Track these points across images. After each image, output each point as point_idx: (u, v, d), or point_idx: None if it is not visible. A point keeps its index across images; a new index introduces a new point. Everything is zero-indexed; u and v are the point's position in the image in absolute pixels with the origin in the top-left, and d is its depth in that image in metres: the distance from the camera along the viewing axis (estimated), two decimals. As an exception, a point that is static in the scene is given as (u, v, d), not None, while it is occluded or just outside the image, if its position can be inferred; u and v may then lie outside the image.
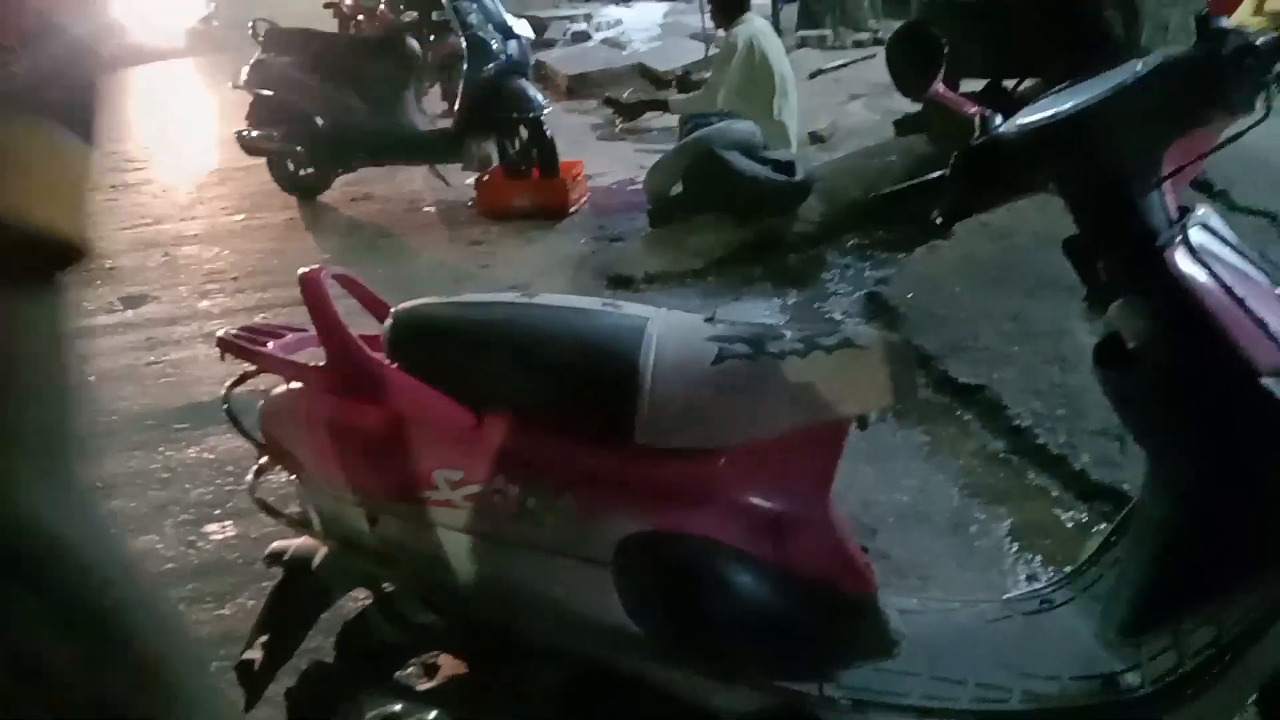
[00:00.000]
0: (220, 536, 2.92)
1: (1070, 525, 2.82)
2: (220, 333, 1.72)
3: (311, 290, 1.60)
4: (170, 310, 5.15)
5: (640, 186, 6.13)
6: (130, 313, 5.14)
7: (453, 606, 1.64)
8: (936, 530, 2.84)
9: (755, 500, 1.62)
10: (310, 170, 7.04)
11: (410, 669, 1.86)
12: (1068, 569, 2.02)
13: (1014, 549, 2.74)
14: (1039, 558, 2.67)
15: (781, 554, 1.62)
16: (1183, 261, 1.59)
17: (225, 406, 1.70)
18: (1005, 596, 1.99)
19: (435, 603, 1.67)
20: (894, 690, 1.63)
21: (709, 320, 1.74)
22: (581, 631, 1.56)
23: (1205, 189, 4.53)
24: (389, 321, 1.68)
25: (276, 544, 1.84)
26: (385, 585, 1.76)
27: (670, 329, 1.67)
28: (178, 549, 2.88)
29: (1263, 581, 1.57)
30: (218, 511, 3.04)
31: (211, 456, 3.36)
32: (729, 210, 5.52)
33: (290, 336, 1.76)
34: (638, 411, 1.54)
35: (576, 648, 1.60)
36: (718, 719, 1.62)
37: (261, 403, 1.69)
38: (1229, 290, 1.49)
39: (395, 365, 1.62)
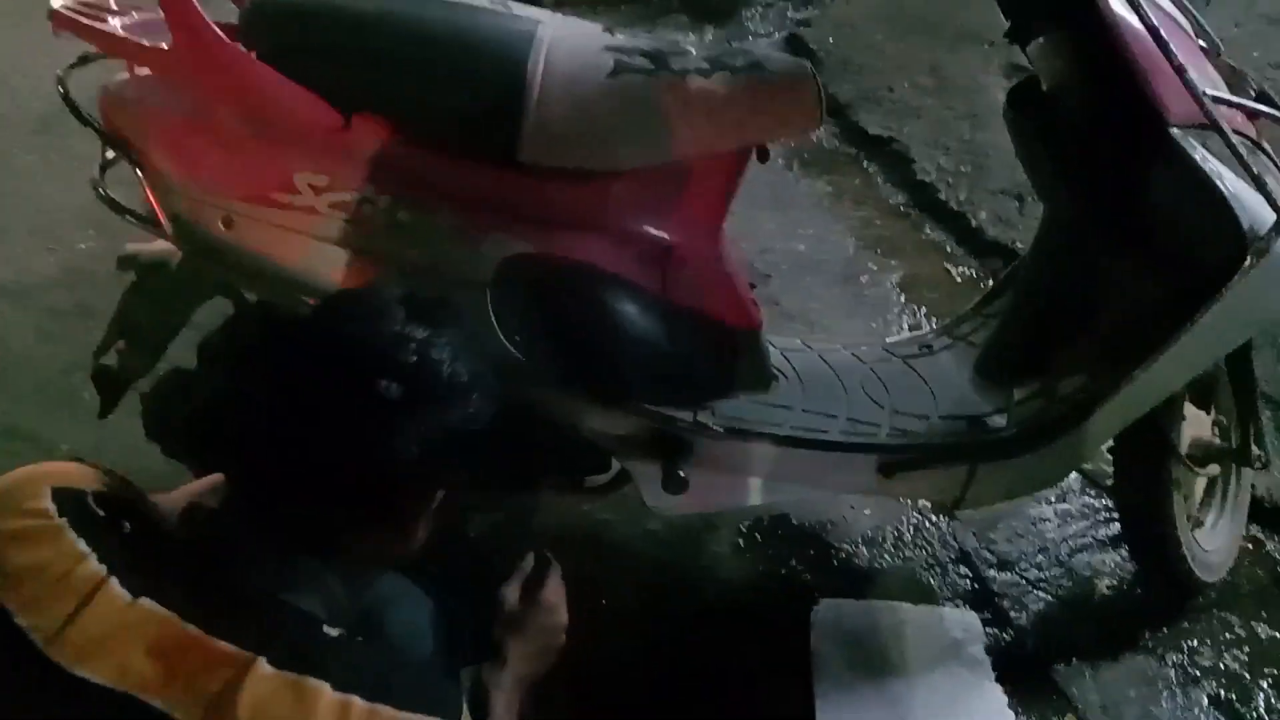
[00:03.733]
0: (84, 247, 2.74)
1: (960, 280, 2.85)
2: (56, 4, 1.50)
3: (156, -40, 1.40)
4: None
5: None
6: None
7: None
8: (829, 279, 2.83)
9: (642, 228, 1.54)
10: None
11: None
12: (950, 318, 2.04)
13: (902, 300, 2.76)
14: (924, 309, 2.70)
15: (666, 285, 1.57)
16: (1115, 1, 1.50)
17: (62, 92, 1.52)
18: (887, 341, 2.00)
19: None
20: (767, 420, 1.64)
21: (607, 30, 1.59)
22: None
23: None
24: (248, 4, 1.50)
25: (130, 246, 1.71)
26: (246, 296, 1.67)
27: (564, 36, 1.52)
28: (37, 260, 2.71)
29: (1132, 338, 1.59)
30: (80, 221, 2.84)
31: (73, 163, 3.11)
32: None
33: (137, 16, 1.56)
34: (522, 124, 1.42)
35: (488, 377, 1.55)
36: (594, 443, 1.62)
37: (103, 86, 1.51)
38: (1156, 34, 1.41)
39: (253, 54, 1.45)
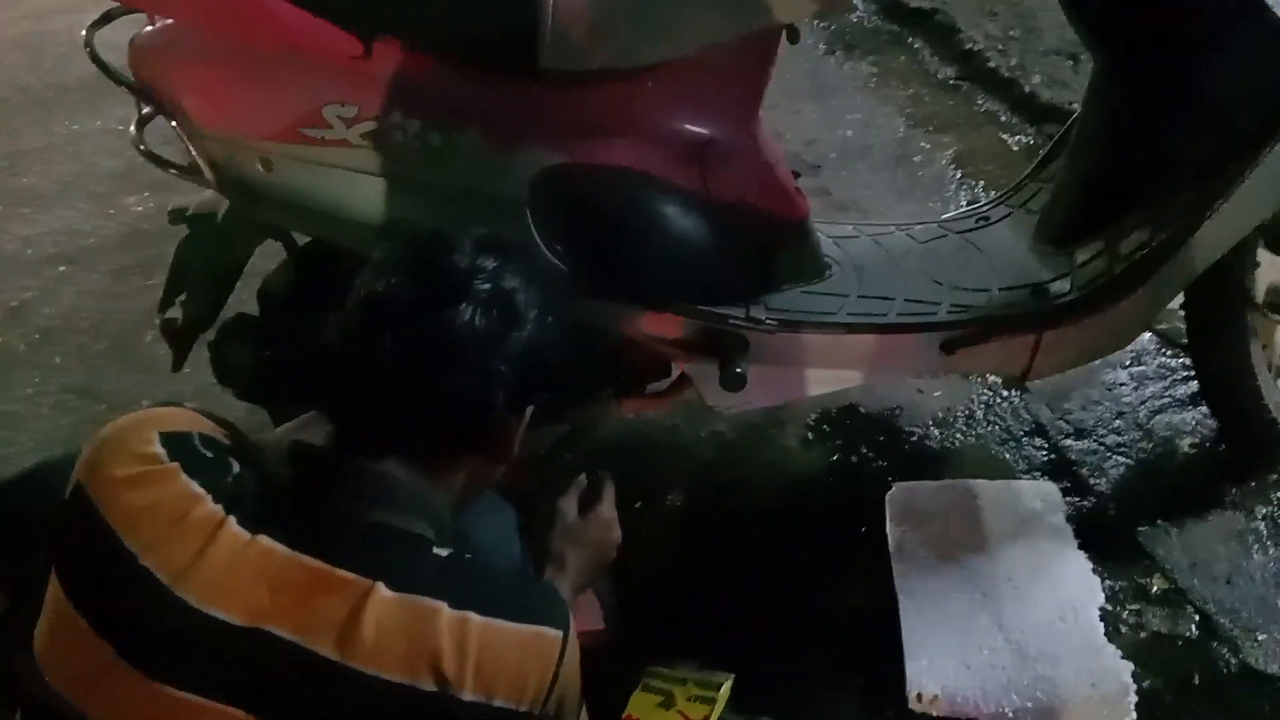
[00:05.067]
0: (140, 209, 2.80)
1: (1016, 149, 2.76)
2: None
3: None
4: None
5: None
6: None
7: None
8: (879, 164, 2.77)
9: (676, 126, 1.52)
10: None
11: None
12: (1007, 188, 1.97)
13: (958, 176, 2.69)
14: (982, 183, 2.62)
15: (706, 181, 1.54)
16: None
17: (89, 50, 1.53)
18: (942, 218, 1.95)
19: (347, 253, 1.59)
20: (822, 309, 1.62)
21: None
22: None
23: None
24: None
25: (179, 200, 1.74)
26: (296, 237, 1.68)
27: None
28: (95, 223, 2.77)
29: (1193, 187, 1.52)
30: (132, 182, 2.89)
31: (119, 127, 3.15)
32: None
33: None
34: (540, 31, 1.39)
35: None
36: (649, 348, 1.62)
37: (130, 41, 1.52)
38: None
39: (270, -9, 1.44)
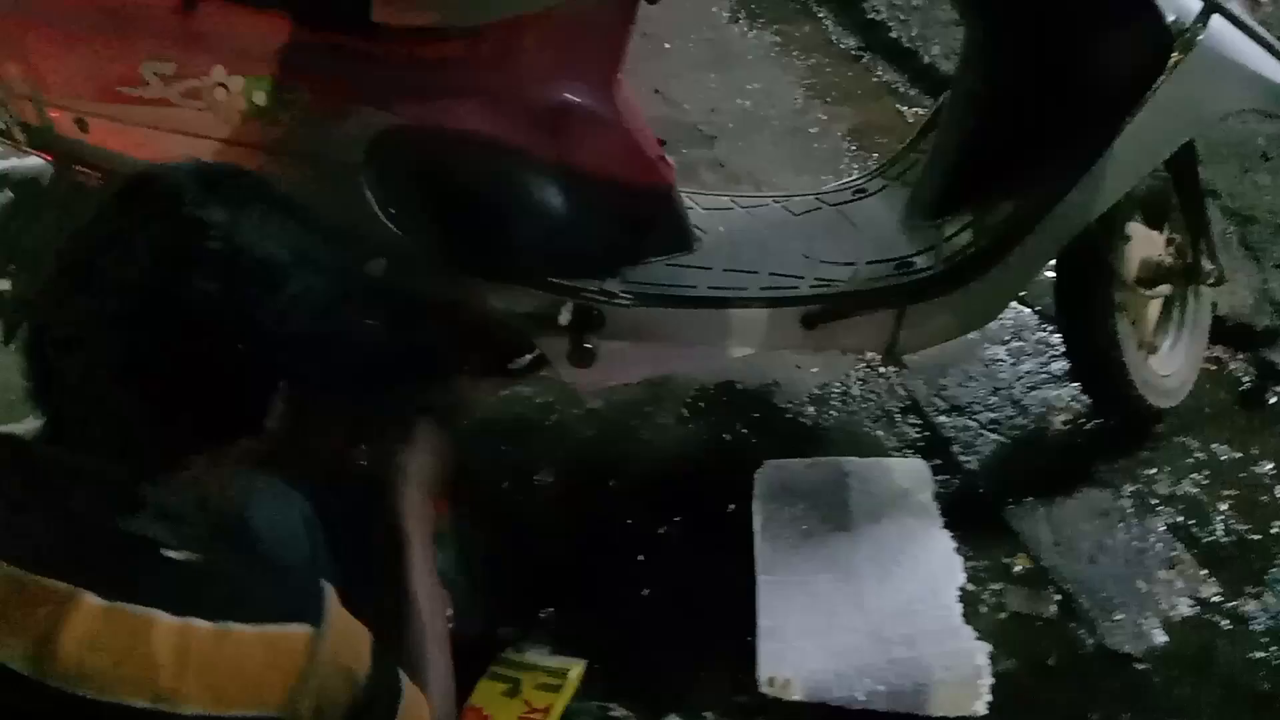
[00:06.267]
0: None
1: (912, 121, 2.72)
2: None
3: None
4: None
5: None
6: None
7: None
8: (776, 134, 2.72)
9: (526, 88, 1.44)
10: None
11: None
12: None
13: (853, 148, 2.65)
14: (876, 156, 2.58)
15: (559, 148, 1.47)
16: None
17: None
18: (821, 190, 1.91)
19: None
20: (682, 283, 1.57)
21: None
22: (339, 245, 1.43)
23: None
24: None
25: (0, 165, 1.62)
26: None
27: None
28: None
29: (1057, 159, 1.50)
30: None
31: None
32: None
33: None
34: (373, -19, 1.31)
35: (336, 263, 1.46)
36: (505, 324, 1.55)
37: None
38: None
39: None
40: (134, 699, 0.74)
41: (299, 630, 0.80)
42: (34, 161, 1.55)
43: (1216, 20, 1.41)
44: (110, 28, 1.33)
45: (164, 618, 0.76)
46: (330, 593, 0.86)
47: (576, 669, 1.48)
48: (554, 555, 1.70)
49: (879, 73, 2.93)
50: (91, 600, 0.75)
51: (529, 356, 1.69)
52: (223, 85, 1.34)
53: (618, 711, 1.50)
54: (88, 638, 0.74)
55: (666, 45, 3.00)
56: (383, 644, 0.88)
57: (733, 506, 1.77)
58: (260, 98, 1.35)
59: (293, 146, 1.37)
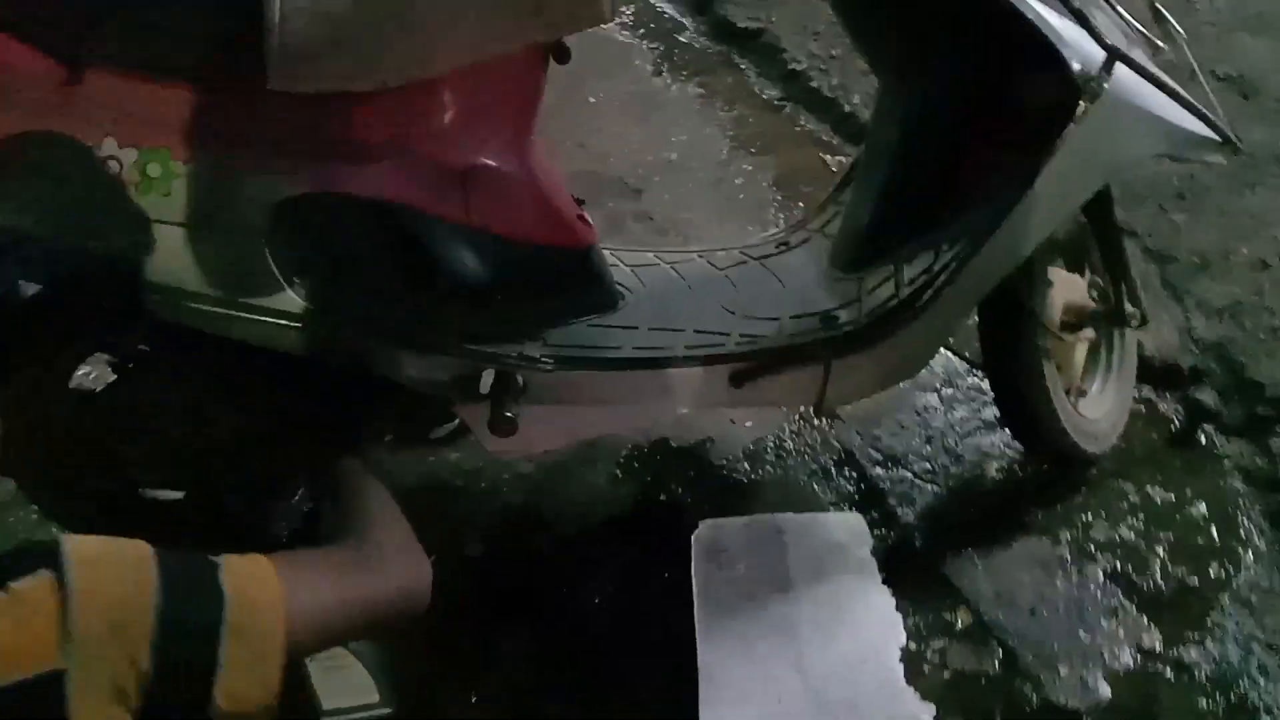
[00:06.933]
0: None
1: (836, 170, 2.72)
2: None
3: None
4: None
5: None
6: None
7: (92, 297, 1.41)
8: (702, 185, 2.71)
9: (434, 151, 1.39)
10: None
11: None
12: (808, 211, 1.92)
13: (778, 197, 2.64)
14: (800, 205, 2.58)
15: (470, 211, 1.43)
16: None
17: None
18: (746, 243, 1.89)
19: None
20: (605, 344, 1.53)
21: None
22: (248, 314, 1.36)
23: None
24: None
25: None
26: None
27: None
28: None
29: (972, 210, 1.49)
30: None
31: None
32: None
33: None
34: (267, 45, 1.26)
35: (244, 334, 1.40)
36: (420, 391, 1.50)
37: None
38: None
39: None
40: None
41: (40, 579, 0.77)
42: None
43: (1120, 69, 1.42)
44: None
45: None
46: (67, 539, 0.83)
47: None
48: (483, 629, 1.64)
49: (801, 121, 2.94)
50: None
51: (450, 425, 1.64)
52: (114, 158, 1.28)
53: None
54: None
55: (591, 99, 2.99)
56: (173, 550, 0.85)
57: (668, 572, 1.72)
58: (155, 170, 1.29)
59: (189, 217, 1.31)
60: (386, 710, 1.41)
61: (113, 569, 0.81)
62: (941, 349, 2.03)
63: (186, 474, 1.46)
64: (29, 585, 0.77)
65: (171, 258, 1.32)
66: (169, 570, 0.83)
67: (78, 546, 0.81)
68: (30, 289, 1.25)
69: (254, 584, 0.88)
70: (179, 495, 1.49)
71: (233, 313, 1.34)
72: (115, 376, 1.55)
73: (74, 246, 1.30)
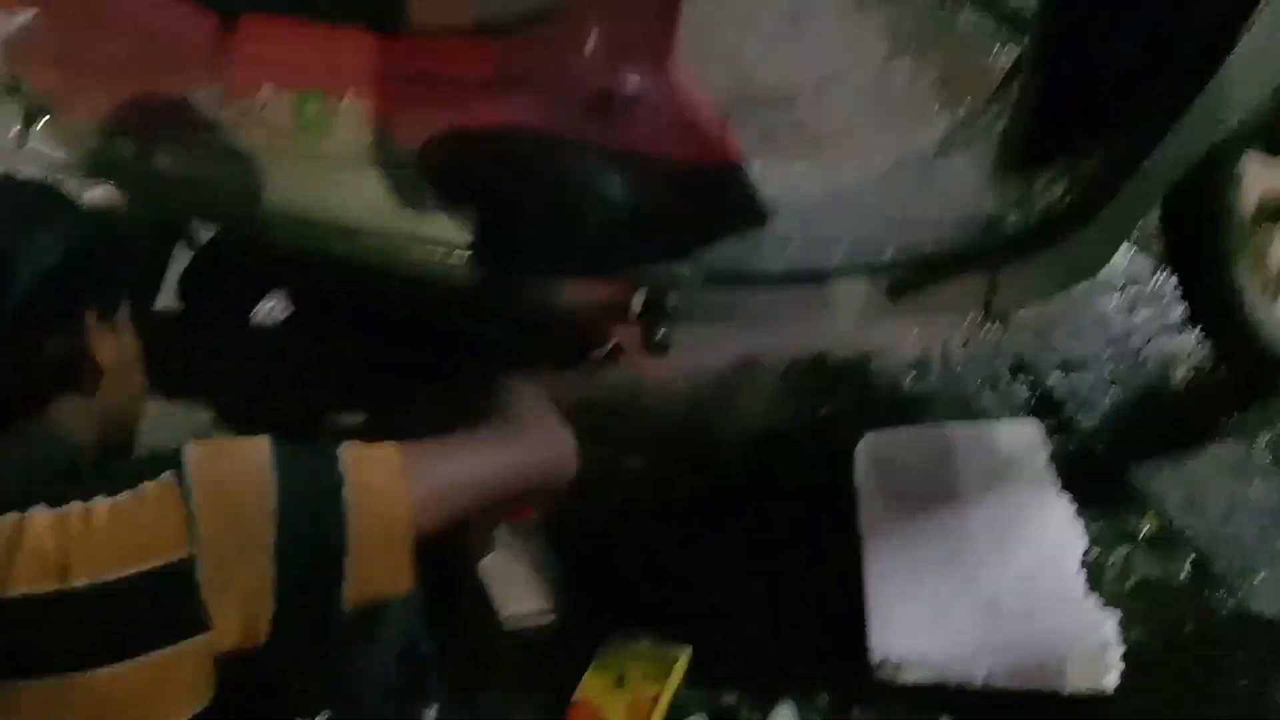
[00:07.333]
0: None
1: (1001, 67, 2.57)
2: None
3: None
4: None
5: None
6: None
7: (262, 239, 1.49)
8: (857, 91, 2.60)
9: (575, 77, 1.40)
10: None
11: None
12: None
13: (939, 100, 2.51)
14: (963, 110, 2.44)
15: (616, 134, 1.42)
16: None
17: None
18: (904, 149, 1.81)
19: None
20: (758, 261, 1.51)
21: None
22: (399, 251, 1.42)
23: None
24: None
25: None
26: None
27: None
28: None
29: (1153, 97, 1.38)
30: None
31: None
32: None
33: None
34: (406, -16, 1.29)
35: (414, 271, 1.46)
36: (575, 315, 1.52)
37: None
38: None
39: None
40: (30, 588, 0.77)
41: (163, 481, 0.82)
42: (104, 191, 1.59)
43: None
44: (160, 57, 1.35)
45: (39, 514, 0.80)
46: (190, 443, 0.87)
47: (682, 655, 1.47)
48: (650, 540, 1.67)
49: (964, 19, 2.78)
50: None
51: (606, 347, 1.66)
52: (272, 102, 1.34)
53: (728, 697, 1.47)
54: None
55: (736, 10, 2.91)
56: (290, 445, 0.88)
57: (834, 483, 1.70)
58: (312, 109, 1.35)
59: (347, 155, 1.37)
60: (556, 617, 1.47)
61: (230, 463, 0.85)
62: (1122, 246, 1.90)
63: (364, 400, 1.55)
64: (153, 486, 0.82)
65: (337, 195, 1.39)
66: (285, 461, 0.86)
67: (198, 447, 0.86)
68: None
69: (372, 466, 0.90)
70: (358, 421, 1.58)
71: (401, 245, 1.40)
72: (293, 309, 1.66)
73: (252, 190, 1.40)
